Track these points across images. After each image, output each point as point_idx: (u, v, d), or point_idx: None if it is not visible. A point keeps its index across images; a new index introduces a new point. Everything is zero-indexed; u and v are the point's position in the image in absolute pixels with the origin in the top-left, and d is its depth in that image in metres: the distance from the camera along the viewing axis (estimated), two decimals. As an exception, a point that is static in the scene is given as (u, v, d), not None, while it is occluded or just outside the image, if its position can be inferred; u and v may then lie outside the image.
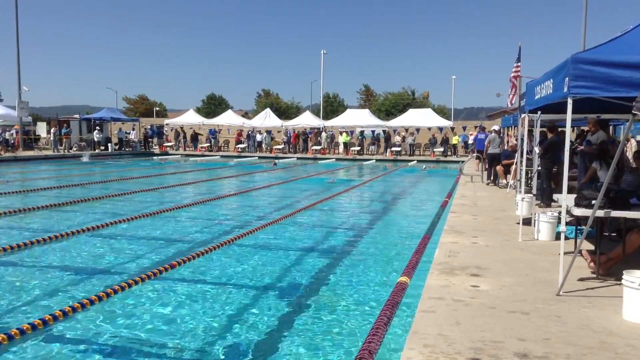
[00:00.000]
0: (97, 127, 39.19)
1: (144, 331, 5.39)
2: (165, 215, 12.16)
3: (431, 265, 6.43)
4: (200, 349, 5.02)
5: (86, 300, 5.97)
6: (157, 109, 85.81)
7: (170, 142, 43.63)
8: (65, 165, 28.03)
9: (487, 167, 18.55)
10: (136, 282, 6.71)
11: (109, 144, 39.06)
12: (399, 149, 37.72)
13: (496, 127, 18.94)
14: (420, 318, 4.54)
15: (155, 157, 36.61)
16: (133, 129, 43.58)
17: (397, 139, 38.90)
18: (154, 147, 43.02)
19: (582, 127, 18.35)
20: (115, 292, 6.34)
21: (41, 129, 44.31)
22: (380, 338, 4.46)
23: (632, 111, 4.52)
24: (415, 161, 34.14)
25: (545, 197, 11.07)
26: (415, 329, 4.27)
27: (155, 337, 5.24)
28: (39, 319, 5.37)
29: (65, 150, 35.93)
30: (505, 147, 17.57)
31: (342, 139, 40.16)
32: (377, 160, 35.73)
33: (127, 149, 40.69)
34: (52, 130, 36.54)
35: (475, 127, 37.22)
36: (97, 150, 37.57)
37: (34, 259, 8.18)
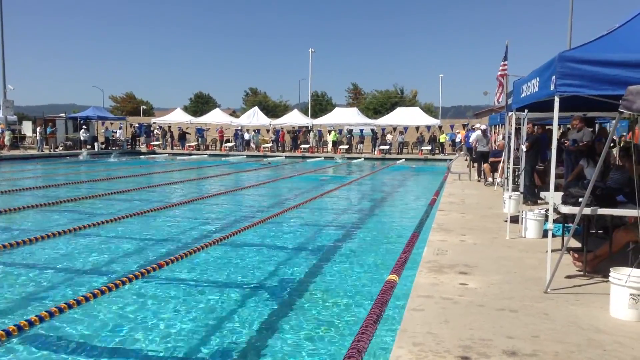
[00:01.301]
0: (84, 126, 38.84)
1: (132, 332, 5.35)
2: (155, 214, 12.08)
3: (420, 263, 6.44)
4: (188, 348, 4.99)
5: (73, 301, 5.91)
6: (144, 107, 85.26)
7: (159, 140, 43.37)
8: (51, 164, 27.78)
9: (474, 164, 18.72)
10: (124, 283, 6.65)
11: (96, 143, 38.73)
12: (387, 147, 37.81)
13: (483, 127, 19.08)
14: (409, 316, 4.54)
15: (142, 156, 36.37)
16: (120, 128, 43.28)
17: (388, 137, 39.03)
18: (140, 145, 42.74)
19: (568, 125, 18.50)
20: (103, 292, 6.28)
21: (27, 128, 43.90)
22: (370, 336, 4.46)
23: (619, 109, 4.55)
24: (404, 159, 34.25)
25: (529, 195, 11.12)
26: (405, 327, 4.28)
27: (143, 337, 5.20)
28: (25, 320, 5.31)
29: (51, 150, 35.61)
30: (494, 147, 17.70)
31: (330, 137, 40.14)
32: (365, 158, 35.78)
33: (114, 148, 40.40)
34: (38, 129, 36.15)
35: (464, 125, 37.44)
36: (83, 149, 37.25)
37: (19, 259, 8.10)
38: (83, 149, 35.83)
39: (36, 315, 5.45)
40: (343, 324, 5.61)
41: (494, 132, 22.99)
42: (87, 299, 6.03)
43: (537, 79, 5.97)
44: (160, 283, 6.94)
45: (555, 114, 5.35)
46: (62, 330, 5.36)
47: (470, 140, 19.36)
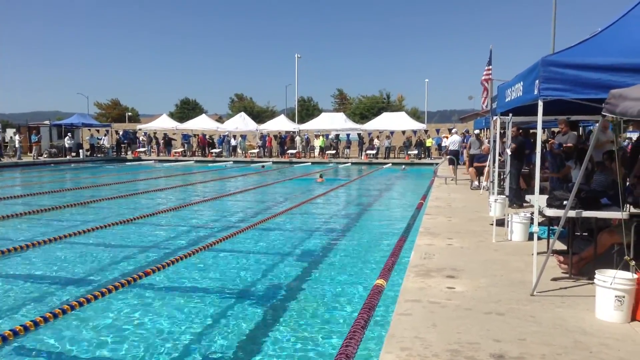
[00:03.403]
0: (68, 133, 38.55)
1: (118, 341, 5.29)
2: (141, 221, 12.00)
3: (407, 267, 6.44)
4: (175, 357, 4.94)
5: (58, 310, 5.83)
6: (130, 114, 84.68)
7: (144, 147, 43.11)
8: (34, 172, 27.52)
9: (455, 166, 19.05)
10: (110, 291, 6.59)
11: (81, 150, 38.43)
12: (374, 151, 37.96)
13: (476, 131, 19.44)
14: (397, 321, 4.54)
15: (128, 163, 36.14)
16: (105, 135, 42.99)
17: (375, 142, 39.19)
18: (126, 152, 42.42)
19: (552, 129, 18.68)
20: (89, 300, 6.22)
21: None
22: (358, 342, 4.45)
23: (602, 112, 4.59)
24: (390, 164, 34.37)
25: (515, 198, 11.20)
26: (392, 332, 4.27)
27: (129, 347, 5.15)
28: (10, 330, 5.23)
29: (35, 157, 35.19)
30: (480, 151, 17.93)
31: (318, 142, 40.18)
32: (352, 163, 35.86)
33: (99, 155, 40.12)
34: (17, 137, 35.32)
35: (449, 129, 37.71)
36: (68, 157, 36.95)
37: (3, 269, 7.99)
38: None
39: (21, 325, 5.38)
40: (331, 329, 5.59)
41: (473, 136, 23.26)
42: (72, 307, 5.96)
43: (521, 83, 6.02)
44: (149, 290, 6.89)
45: (539, 117, 5.38)
46: (49, 339, 5.29)
47: (447, 144, 19.76)
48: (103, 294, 6.46)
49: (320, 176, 23.08)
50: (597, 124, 5.51)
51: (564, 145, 10.62)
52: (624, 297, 4.46)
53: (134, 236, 10.56)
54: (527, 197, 8.19)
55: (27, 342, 5.21)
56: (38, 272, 7.82)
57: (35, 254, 8.84)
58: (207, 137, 42.74)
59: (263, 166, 32.72)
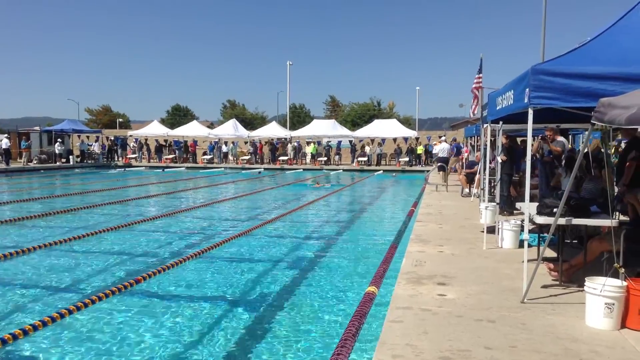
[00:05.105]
0: (59, 139, 38.33)
1: (109, 348, 5.26)
2: (130, 228, 11.95)
3: (398, 274, 6.45)
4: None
5: (47, 318, 5.79)
6: (121, 120, 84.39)
7: (135, 153, 42.93)
8: (24, 178, 27.33)
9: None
10: (100, 298, 6.55)
11: (71, 156, 38.21)
12: (365, 158, 38.05)
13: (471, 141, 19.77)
14: (388, 328, 4.54)
15: (118, 170, 35.97)
16: (96, 141, 42.78)
17: (367, 149, 39.29)
18: (118, 159, 42.24)
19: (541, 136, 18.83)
20: (79, 308, 6.17)
21: (-1, 141, 43.02)
22: (349, 349, 4.45)
23: (591, 121, 4.63)
24: (382, 171, 34.46)
25: (505, 205, 11.24)
26: (384, 340, 4.27)
27: (120, 355, 5.12)
28: (-2, 339, 5.19)
29: (24, 163, 34.90)
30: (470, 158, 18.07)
31: (309, 149, 40.18)
32: (344, 170, 35.91)
33: (90, 161, 39.91)
34: (3, 143, 34.64)
35: (440, 137, 37.89)
36: (58, 163, 36.72)
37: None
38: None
39: (9, 333, 5.33)
40: (322, 337, 5.58)
41: (469, 144, 23.35)
42: (62, 316, 5.91)
43: (512, 91, 6.06)
44: (138, 298, 6.85)
45: (529, 126, 5.42)
46: (35, 348, 5.25)
47: (436, 151, 20.10)
48: (93, 302, 6.42)
49: (317, 182, 23.73)
50: (587, 133, 5.55)
51: (552, 148, 10.69)
52: (613, 304, 4.49)
53: (123, 243, 10.51)
54: (518, 205, 8.23)
55: (17, 350, 5.16)
56: (28, 279, 7.75)
57: (23, 260, 8.77)
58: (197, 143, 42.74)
59: (260, 172, 33.35)
